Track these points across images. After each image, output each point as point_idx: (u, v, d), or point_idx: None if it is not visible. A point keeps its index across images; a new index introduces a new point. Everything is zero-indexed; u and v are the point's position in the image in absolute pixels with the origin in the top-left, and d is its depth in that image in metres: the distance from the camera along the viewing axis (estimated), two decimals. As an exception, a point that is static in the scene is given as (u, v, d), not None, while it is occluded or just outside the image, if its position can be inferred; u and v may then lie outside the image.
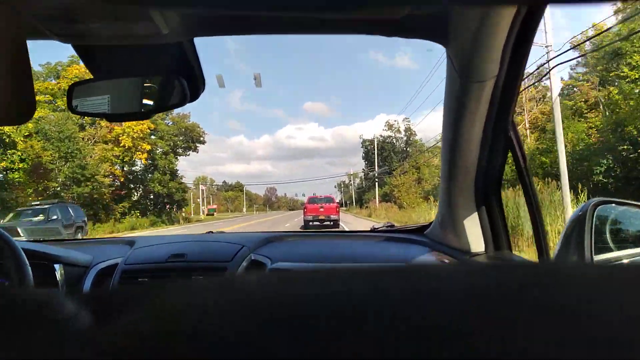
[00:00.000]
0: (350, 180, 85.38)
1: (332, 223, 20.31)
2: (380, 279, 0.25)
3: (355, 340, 0.19)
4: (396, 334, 0.19)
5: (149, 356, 0.19)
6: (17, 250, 1.22)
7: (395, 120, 49.62)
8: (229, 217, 48.46)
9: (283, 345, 0.19)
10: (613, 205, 1.24)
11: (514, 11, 0.88)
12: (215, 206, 69.76)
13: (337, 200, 24.37)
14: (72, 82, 1.19)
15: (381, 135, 49.05)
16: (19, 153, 18.65)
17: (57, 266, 1.45)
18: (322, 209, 20.70)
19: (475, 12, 0.90)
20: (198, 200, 65.43)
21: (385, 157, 46.95)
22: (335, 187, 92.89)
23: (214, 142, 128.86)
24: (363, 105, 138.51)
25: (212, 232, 2.05)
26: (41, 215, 14.33)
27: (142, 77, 1.05)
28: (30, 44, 0.60)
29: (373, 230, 1.95)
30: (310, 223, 20.51)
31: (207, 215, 60.02)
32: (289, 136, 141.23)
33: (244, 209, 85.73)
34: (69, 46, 0.95)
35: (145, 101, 1.05)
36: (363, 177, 60.31)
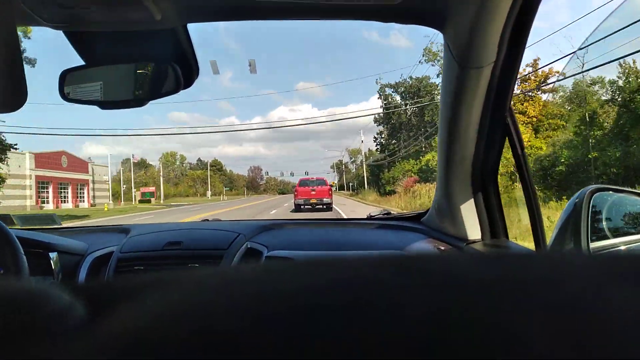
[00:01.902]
0: (352, 159, 74.88)
1: (324, 206, 19.74)
2: (378, 269, 0.25)
3: (352, 332, 0.19)
4: (394, 325, 0.19)
5: (143, 351, 0.19)
6: (12, 239, 1.21)
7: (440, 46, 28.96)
8: (158, 209, 31.47)
9: (281, 339, 0.19)
10: (610, 192, 1.24)
11: None
12: (152, 189, 53.13)
13: (330, 183, 23.60)
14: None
15: (411, 78, 32.18)
16: None
17: (52, 254, 1.44)
18: (313, 192, 20.05)
19: None
20: (133, 182, 53.53)
21: (422, 109, 30.48)
22: (331, 167, 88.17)
23: (206, 123, 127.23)
24: (357, 86, 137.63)
25: (207, 219, 2.05)
26: None
27: (135, 63, 1.04)
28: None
29: (370, 217, 1.95)
30: (302, 207, 19.86)
31: (141, 201, 47.46)
32: (282, 117, 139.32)
33: (209, 194, 68.90)
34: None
35: (138, 88, 1.04)
36: (374, 149, 43.88)
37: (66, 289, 0.26)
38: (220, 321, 0.20)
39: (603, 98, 16.68)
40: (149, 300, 0.24)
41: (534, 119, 20.65)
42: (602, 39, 12.91)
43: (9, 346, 0.21)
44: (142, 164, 75.88)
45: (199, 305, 0.23)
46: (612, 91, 16.06)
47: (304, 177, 23.16)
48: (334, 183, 63.88)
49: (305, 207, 19.85)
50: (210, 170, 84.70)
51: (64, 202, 36.84)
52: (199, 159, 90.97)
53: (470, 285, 0.22)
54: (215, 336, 0.19)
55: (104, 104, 1.05)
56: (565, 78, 19.32)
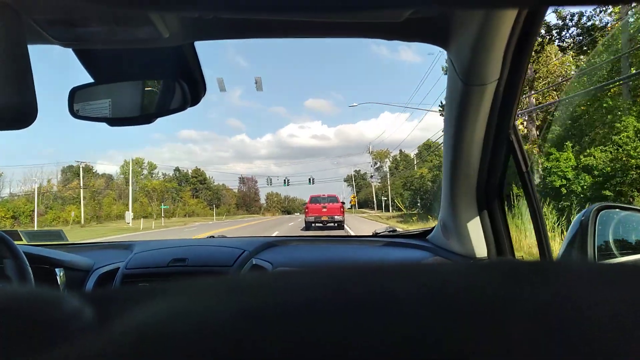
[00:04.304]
0: (380, 163, 62.09)
1: (336, 224, 19.10)
2: (383, 279, 0.25)
3: (355, 342, 0.19)
4: (397, 335, 0.19)
5: (148, 350, 0.19)
6: (18, 254, 1.22)
7: None
8: None
9: (283, 347, 0.19)
10: (616, 210, 1.24)
11: (515, 14, 0.88)
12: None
13: (349, 198, 22.70)
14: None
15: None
16: None
17: (58, 270, 1.45)
18: (325, 209, 19.34)
19: (476, 16, 0.90)
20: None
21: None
22: (345, 180, 79.63)
23: (215, 140, 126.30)
24: (367, 103, 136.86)
25: (213, 236, 2.05)
26: None
27: (143, 81, 1.05)
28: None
29: (375, 235, 1.94)
30: (313, 224, 19.25)
31: None
32: (292, 135, 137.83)
33: (128, 216, 38.78)
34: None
35: (146, 105, 1.05)
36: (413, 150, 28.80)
37: (72, 297, 0.27)
38: (220, 331, 0.20)
39: None
40: (155, 304, 0.24)
41: None
42: None
43: (22, 345, 0.21)
44: (86, 171, 54.19)
45: (204, 308, 0.23)
46: None
47: (314, 194, 22.13)
48: (353, 198, 59.28)
49: (316, 224, 19.22)
50: (188, 183, 64.69)
51: None
52: (177, 168, 67.92)
53: (470, 295, 0.22)
54: (217, 339, 0.20)
55: (113, 121, 1.07)
56: None
